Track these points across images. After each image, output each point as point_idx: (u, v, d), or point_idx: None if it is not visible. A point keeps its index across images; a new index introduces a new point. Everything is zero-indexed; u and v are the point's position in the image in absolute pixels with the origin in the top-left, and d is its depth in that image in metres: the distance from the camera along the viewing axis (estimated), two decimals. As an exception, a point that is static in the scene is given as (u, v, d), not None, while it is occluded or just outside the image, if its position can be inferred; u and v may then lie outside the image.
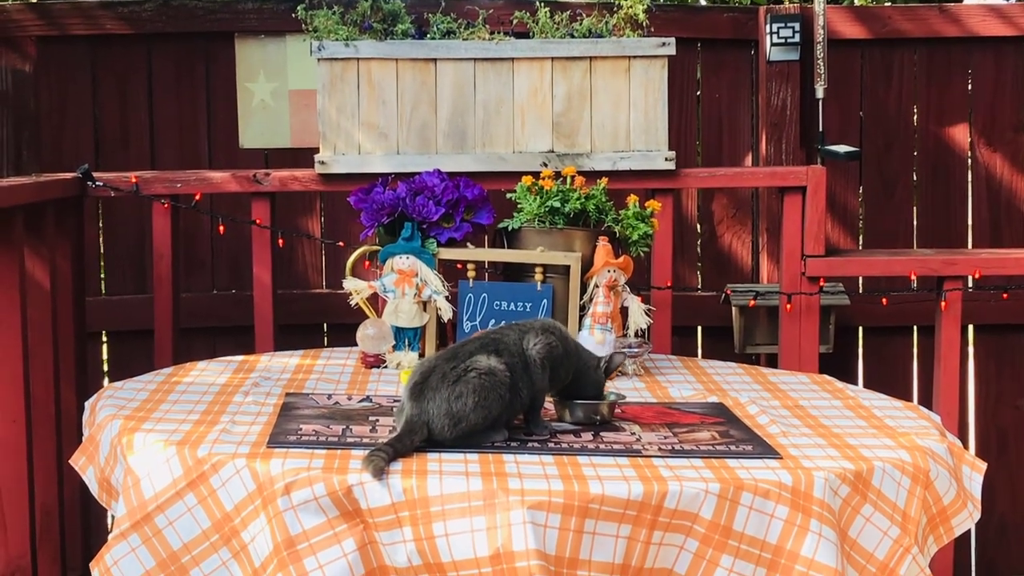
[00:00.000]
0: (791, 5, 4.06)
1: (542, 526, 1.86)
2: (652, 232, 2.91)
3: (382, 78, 3.21)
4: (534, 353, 2.18)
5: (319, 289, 4.15)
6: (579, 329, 2.76)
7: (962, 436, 4.05)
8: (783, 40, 4.02)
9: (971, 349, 4.23)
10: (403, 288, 2.84)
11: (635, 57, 3.22)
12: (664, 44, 3.22)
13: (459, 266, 2.90)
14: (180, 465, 2.01)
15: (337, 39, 3.19)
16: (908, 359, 4.23)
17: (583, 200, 2.85)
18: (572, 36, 3.25)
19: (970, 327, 4.20)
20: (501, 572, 1.85)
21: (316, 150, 3.25)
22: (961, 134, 4.20)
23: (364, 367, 2.80)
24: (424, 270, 2.84)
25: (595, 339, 2.70)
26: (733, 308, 3.95)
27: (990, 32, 4.14)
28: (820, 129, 3.99)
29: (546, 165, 3.20)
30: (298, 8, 3.27)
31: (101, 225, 4.09)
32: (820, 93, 3.97)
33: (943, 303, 3.34)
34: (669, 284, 3.32)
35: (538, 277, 2.82)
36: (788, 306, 3.32)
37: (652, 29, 3.29)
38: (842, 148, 3.91)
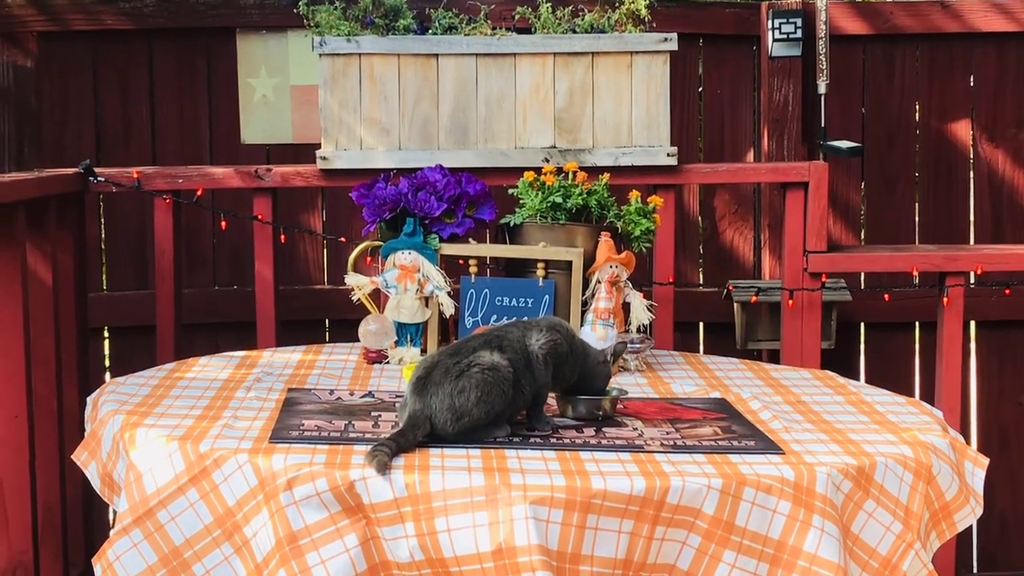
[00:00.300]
0: (793, 1, 4.05)
1: (544, 521, 1.86)
2: (654, 228, 2.90)
3: (384, 73, 3.20)
4: (537, 349, 2.18)
5: (321, 285, 4.14)
6: (581, 324, 2.76)
7: (964, 432, 4.05)
8: (785, 36, 4.01)
9: (973, 345, 4.23)
10: (405, 284, 2.84)
11: (637, 53, 3.22)
12: (666, 40, 3.22)
13: (461, 262, 2.90)
14: (182, 460, 2.01)
15: (339, 34, 3.19)
16: (910, 355, 4.23)
17: (585, 196, 2.85)
18: (574, 32, 3.24)
19: (972, 323, 4.20)
20: (503, 567, 1.85)
21: (318, 146, 3.24)
22: (963, 130, 4.19)
23: (366, 363, 2.81)
24: (426, 266, 2.84)
25: (597, 335, 2.70)
26: (735, 304, 3.95)
27: (992, 28, 4.13)
28: (822, 125, 3.99)
29: (548, 161, 3.20)
30: (300, 3, 3.26)
31: (103, 221, 4.09)
32: (822, 89, 3.97)
33: (945, 299, 3.33)
34: (671, 280, 3.32)
35: (540, 273, 2.82)
36: (790, 302, 3.31)
37: (654, 25, 3.29)
38: (844, 144, 3.91)
